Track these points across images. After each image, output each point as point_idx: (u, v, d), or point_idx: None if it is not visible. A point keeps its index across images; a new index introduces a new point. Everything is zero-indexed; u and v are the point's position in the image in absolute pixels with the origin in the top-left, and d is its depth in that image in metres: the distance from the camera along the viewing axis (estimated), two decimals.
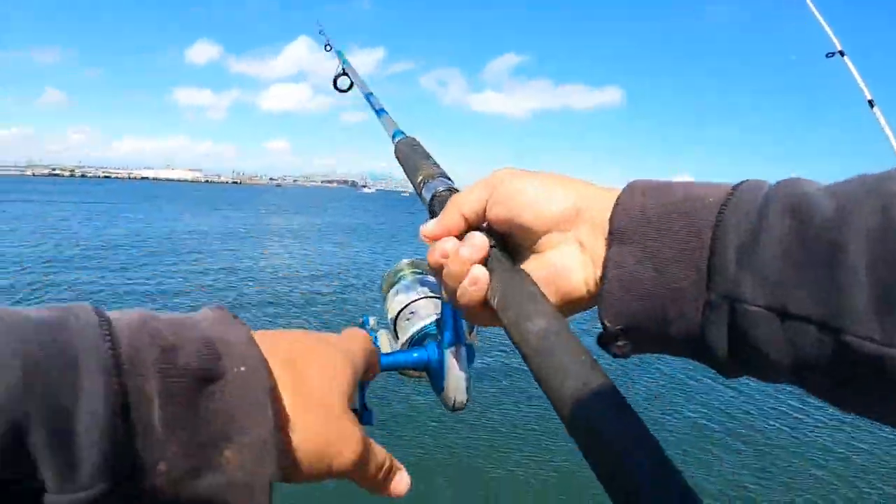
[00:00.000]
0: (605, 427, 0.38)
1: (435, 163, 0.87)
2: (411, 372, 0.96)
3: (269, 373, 0.44)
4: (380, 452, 0.52)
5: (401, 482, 0.54)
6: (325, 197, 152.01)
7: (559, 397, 0.43)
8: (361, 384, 0.67)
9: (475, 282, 0.56)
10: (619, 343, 0.51)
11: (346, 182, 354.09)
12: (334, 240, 42.15)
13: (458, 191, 0.74)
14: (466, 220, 0.60)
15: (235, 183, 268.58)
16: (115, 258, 25.48)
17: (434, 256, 0.60)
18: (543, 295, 0.52)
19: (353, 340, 0.56)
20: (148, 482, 0.37)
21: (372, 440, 0.52)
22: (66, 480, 0.34)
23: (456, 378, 0.88)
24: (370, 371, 0.57)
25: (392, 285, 1.11)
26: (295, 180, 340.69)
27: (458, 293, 0.58)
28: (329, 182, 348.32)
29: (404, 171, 0.92)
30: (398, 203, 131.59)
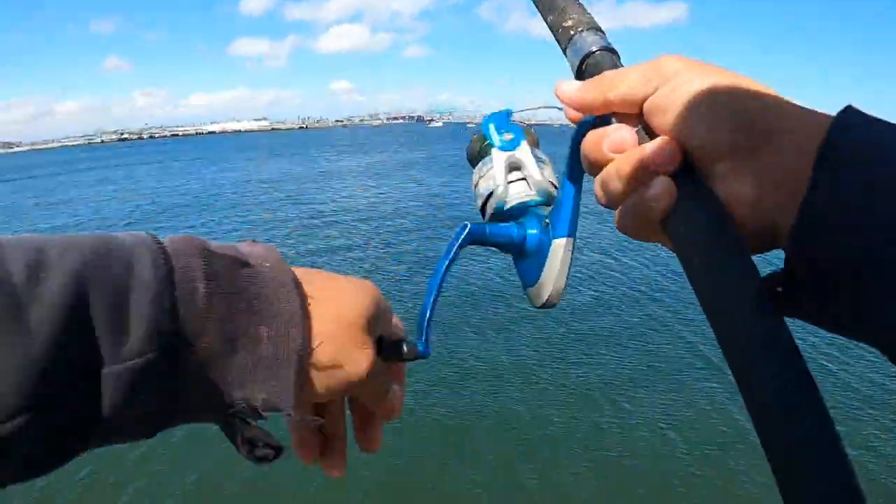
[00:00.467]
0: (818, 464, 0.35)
1: (585, 9, 0.67)
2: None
3: (293, 273, 0.49)
4: (392, 381, 0.56)
5: (394, 411, 0.58)
6: (393, 134, 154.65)
7: (760, 395, 0.39)
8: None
9: (659, 198, 0.46)
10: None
11: (411, 117, 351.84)
12: (409, 175, 42.85)
13: (618, 56, 0.61)
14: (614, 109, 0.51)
15: (302, 128, 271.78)
16: (193, 212, 26.89)
17: (601, 146, 0.50)
18: (745, 242, 0.45)
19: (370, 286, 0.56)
20: (191, 354, 0.42)
21: (392, 367, 0.56)
22: (119, 347, 0.38)
23: (558, 273, 0.73)
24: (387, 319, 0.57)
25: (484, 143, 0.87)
26: (361, 120, 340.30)
27: (631, 202, 0.49)
28: (394, 119, 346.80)
29: (540, 13, 0.69)
30: (465, 134, 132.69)
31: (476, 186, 0.80)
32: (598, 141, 0.49)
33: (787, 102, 0.44)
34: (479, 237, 0.70)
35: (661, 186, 0.46)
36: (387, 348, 0.57)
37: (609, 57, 0.58)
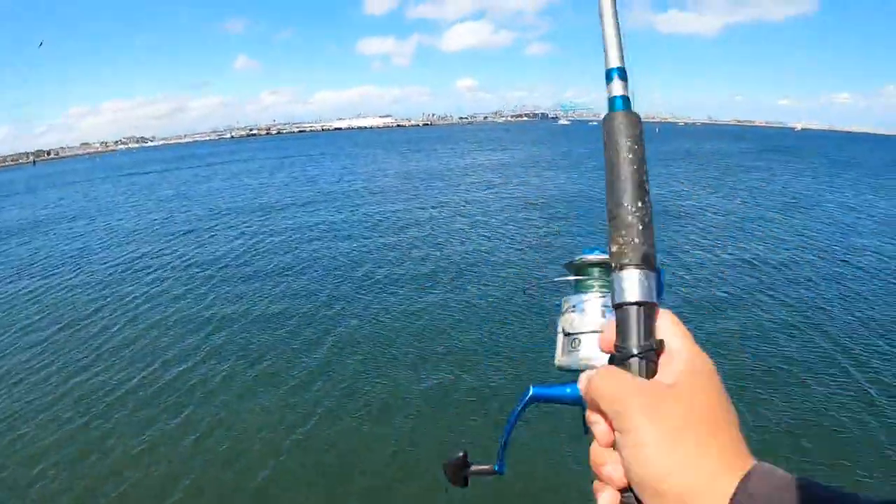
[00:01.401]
0: None
1: (646, 233, 0.74)
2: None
3: None
4: None
5: None
6: (520, 131, 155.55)
7: None
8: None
9: (602, 502, 0.64)
10: None
11: (536, 115, 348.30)
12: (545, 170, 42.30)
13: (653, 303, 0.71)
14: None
15: (427, 125, 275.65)
16: (324, 203, 29.12)
17: (591, 426, 0.68)
18: None
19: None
20: None
21: None
22: None
23: None
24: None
25: (578, 289, 1.02)
26: (485, 117, 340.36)
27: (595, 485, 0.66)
28: (518, 116, 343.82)
29: (607, 199, 0.81)
30: (590, 131, 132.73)
31: (568, 314, 0.92)
32: (590, 420, 0.68)
33: (713, 457, 0.55)
34: (540, 399, 0.87)
35: (607, 499, 0.63)
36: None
37: (636, 314, 0.67)
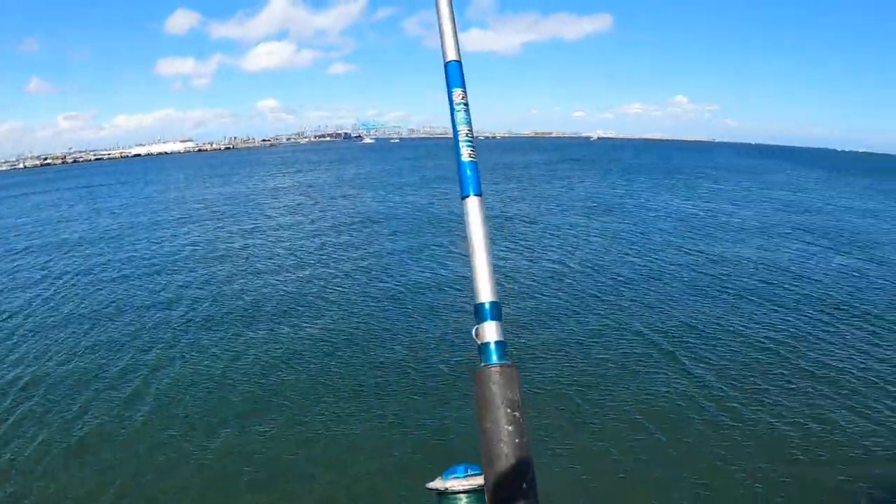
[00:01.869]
0: None
1: None
2: None
3: None
4: None
5: None
6: (326, 151, 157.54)
7: None
8: None
9: None
10: None
11: (338, 135, 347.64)
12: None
13: None
14: None
15: (228, 148, 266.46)
16: (128, 237, 28.22)
17: None
18: None
19: None
20: None
21: None
22: None
23: None
24: None
25: None
26: (288, 138, 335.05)
27: None
28: (321, 137, 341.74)
29: None
30: (391, 149, 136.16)
31: None
32: None
33: None
34: None
35: None
36: None
37: None
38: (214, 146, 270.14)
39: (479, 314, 1.17)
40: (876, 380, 11.76)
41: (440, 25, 1.35)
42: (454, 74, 1.37)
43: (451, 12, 1.35)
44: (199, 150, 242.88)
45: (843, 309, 16.01)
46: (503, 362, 1.09)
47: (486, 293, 1.14)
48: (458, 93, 1.36)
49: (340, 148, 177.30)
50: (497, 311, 1.16)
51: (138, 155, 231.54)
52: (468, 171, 1.31)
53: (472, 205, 1.28)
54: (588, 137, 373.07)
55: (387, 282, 18.56)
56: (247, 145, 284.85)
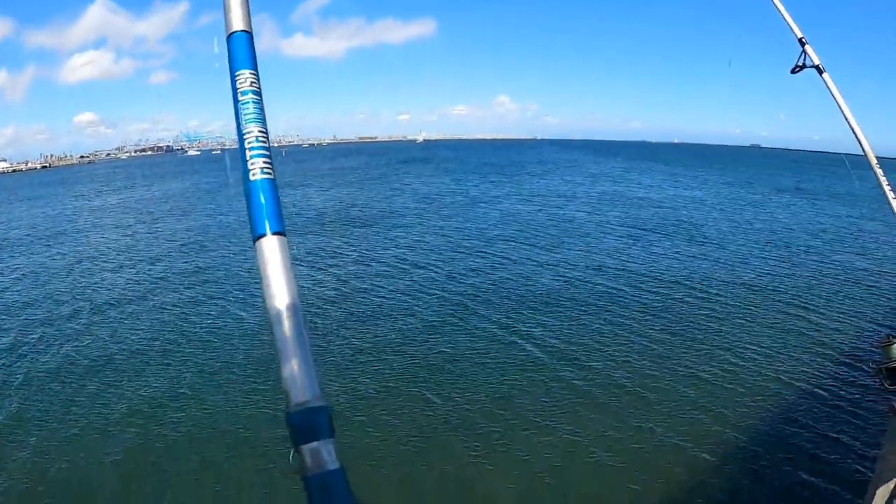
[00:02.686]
0: None
1: None
2: None
3: None
4: None
5: None
6: (150, 165, 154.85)
7: None
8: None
9: None
10: None
11: (160, 148, 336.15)
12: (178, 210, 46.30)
13: None
14: None
15: (45, 167, 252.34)
16: None
17: None
18: None
19: None
20: None
21: None
22: None
23: None
24: None
25: None
26: (108, 154, 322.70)
27: None
28: (143, 150, 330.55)
29: None
30: (216, 160, 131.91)
31: None
32: None
33: None
34: None
35: None
36: None
37: None
38: (30, 165, 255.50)
39: (299, 425, 0.81)
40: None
41: None
42: (240, 49, 1.02)
43: None
44: (14, 171, 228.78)
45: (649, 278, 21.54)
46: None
47: (302, 391, 0.82)
48: (244, 76, 1.01)
49: (164, 162, 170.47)
50: (327, 423, 0.81)
51: None
52: (262, 197, 0.95)
53: (271, 248, 0.93)
54: (414, 140, 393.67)
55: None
56: (64, 163, 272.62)
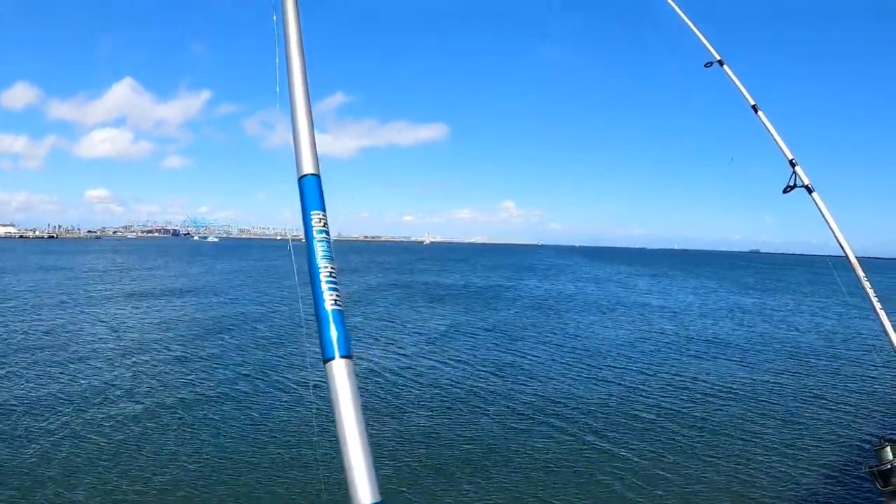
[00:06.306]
0: None
1: None
2: None
3: None
4: None
5: None
6: (159, 248, 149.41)
7: None
8: None
9: None
10: None
11: (167, 231, 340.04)
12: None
13: None
14: None
15: (52, 237, 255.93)
16: None
17: None
18: None
19: None
20: None
21: None
22: None
23: None
24: None
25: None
26: (115, 231, 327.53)
27: None
28: (150, 232, 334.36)
29: None
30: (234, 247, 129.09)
31: None
32: None
33: None
34: None
35: None
36: None
37: None
38: (38, 233, 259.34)
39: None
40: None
41: (295, 137, 1.21)
42: (312, 192, 1.21)
43: (311, 125, 1.23)
44: (21, 237, 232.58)
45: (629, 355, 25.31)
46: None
47: (366, 494, 0.98)
48: (318, 216, 1.21)
49: (175, 245, 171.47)
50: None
51: None
52: (333, 325, 1.13)
53: (340, 370, 1.10)
54: (421, 241, 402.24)
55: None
56: (71, 235, 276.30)
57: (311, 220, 1.19)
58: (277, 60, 1.23)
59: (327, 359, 1.09)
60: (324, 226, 1.20)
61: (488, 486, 11.99)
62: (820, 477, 13.12)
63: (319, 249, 1.17)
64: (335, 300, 1.15)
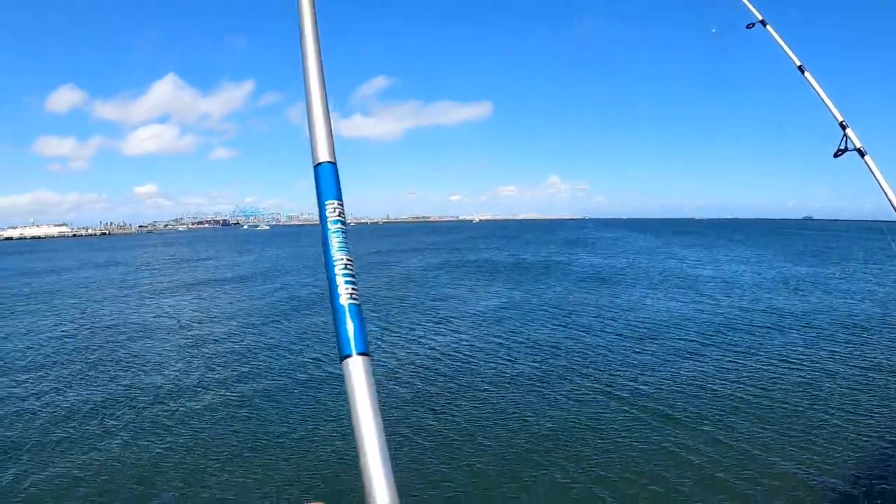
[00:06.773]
0: None
1: None
2: None
3: None
4: None
5: None
6: (212, 239, 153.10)
7: None
8: None
9: None
10: None
11: (217, 222, 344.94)
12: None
13: None
14: None
15: (104, 234, 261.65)
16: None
17: None
18: None
19: None
20: None
21: None
22: None
23: None
24: None
25: None
26: (166, 225, 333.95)
27: None
28: (200, 224, 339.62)
29: None
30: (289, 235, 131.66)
31: None
32: None
33: None
34: None
35: None
36: None
37: None
38: (90, 231, 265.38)
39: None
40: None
41: (310, 124, 1.15)
42: (328, 180, 1.17)
43: (326, 112, 1.17)
44: (74, 236, 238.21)
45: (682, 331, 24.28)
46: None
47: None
48: (333, 206, 1.16)
49: (226, 235, 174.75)
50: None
51: (10, 238, 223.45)
52: (349, 320, 1.08)
53: (356, 368, 1.05)
54: (470, 220, 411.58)
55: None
56: (123, 231, 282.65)
57: (326, 209, 1.16)
58: (300, 48, 1.22)
59: (344, 356, 1.06)
60: (339, 216, 1.17)
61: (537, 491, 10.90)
62: (889, 443, 12.72)
63: (335, 240, 1.14)
64: (351, 294, 1.11)
